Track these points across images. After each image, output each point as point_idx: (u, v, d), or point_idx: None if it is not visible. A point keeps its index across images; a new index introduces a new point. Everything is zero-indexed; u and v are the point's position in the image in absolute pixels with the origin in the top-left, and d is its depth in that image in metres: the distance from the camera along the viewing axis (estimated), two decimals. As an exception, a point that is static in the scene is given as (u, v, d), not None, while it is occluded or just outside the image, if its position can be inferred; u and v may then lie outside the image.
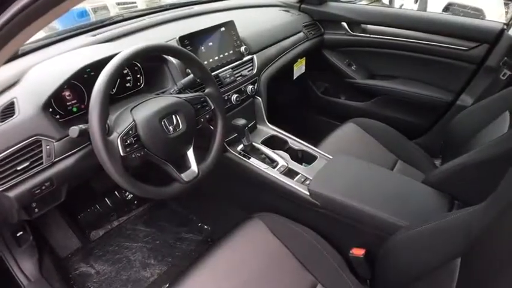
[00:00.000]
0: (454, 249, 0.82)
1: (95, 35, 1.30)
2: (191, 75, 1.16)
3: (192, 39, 1.29)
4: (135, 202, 1.74)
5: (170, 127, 0.98)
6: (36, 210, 1.00)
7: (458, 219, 0.89)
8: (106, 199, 1.66)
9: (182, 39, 1.26)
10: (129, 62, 0.93)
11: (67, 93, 1.06)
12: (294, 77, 1.95)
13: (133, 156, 0.91)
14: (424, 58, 1.84)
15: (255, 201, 1.46)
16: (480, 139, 1.45)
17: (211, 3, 1.77)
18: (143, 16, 1.48)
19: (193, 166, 1.06)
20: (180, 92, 1.15)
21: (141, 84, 1.26)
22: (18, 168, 0.90)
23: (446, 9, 3.31)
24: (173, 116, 0.99)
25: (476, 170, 1.19)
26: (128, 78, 1.23)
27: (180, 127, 1.00)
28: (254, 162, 1.37)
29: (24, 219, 1.00)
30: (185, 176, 1.03)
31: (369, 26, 1.97)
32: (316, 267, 1.12)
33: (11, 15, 0.55)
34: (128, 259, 1.49)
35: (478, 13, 3.00)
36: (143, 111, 0.96)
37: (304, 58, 1.96)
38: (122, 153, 0.89)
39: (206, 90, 1.12)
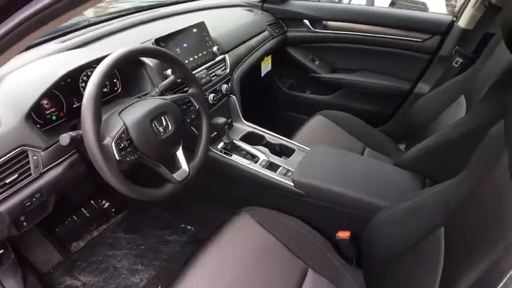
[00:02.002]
0: (435, 220, 0.91)
1: (63, 41, 1.26)
2: (172, 77, 1.17)
3: (167, 41, 1.29)
4: (113, 210, 1.71)
5: (160, 128, 0.99)
6: (24, 224, 0.97)
7: (435, 194, 0.99)
8: (83, 209, 1.62)
9: (158, 42, 1.26)
10: (117, 66, 0.93)
11: (45, 101, 1.04)
12: (262, 75, 2.00)
13: (127, 159, 0.92)
14: (382, 51, 1.97)
15: (239, 198, 1.50)
16: (440, 122, 1.58)
17: (176, 5, 1.77)
18: (111, 20, 1.46)
19: (184, 165, 1.08)
20: (162, 94, 1.16)
21: (118, 89, 1.25)
22: (7, 181, 0.87)
23: (393, 3, 3.51)
24: (162, 118, 1.00)
25: (443, 150, 1.30)
26: (105, 83, 1.21)
27: (170, 128, 1.02)
28: (236, 158, 1.41)
29: (6, 236, 0.97)
30: (177, 176, 1.05)
31: (330, 22, 2.06)
32: (306, 253, 1.17)
33: (14, 25, 0.55)
34: (114, 267, 1.47)
35: (423, 7, 3.22)
36: (132, 114, 0.96)
37: (270, 56, 2.02)
38: (117, 157, 0.89)
39: (190, 91, 1.13)
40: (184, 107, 1.09)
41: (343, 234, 1.26)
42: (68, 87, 1.08)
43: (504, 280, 0.51)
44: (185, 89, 1.31)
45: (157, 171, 1.01)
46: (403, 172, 1.34)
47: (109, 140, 0.89)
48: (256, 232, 1.20)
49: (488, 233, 0.65)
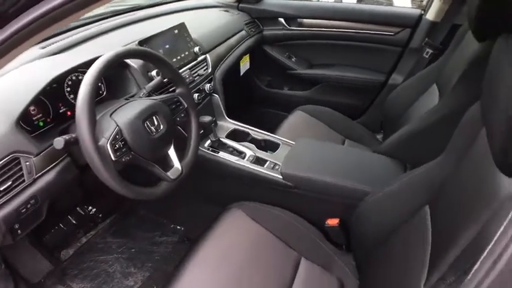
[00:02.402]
0: (420, 200, 0.97)
1: (44, 47, 1.25)
2: (158, 78, 1.19)
3: (150, 43, 1.31)
4: (100, 216, 1.69)
5: (152, 128, 1.01)
6: (19, 231, 0.97)
7: (419, 175, 1.05)
8: (69, 217, 1.59)
9: (141, 43, 1.27)
10: (109, 67, 0.93)
11: (31, 108, 1.03)
12: (241, 74, 2.03)
13: (123, 160, 0.93)
14: (356, 45, 2.05)
15: (229, 194, 1.52)
16: (414, 111, 1.66)
17: (152, 8, 1.77)
18: (89, 24, 1.45)
19: (177, 164, 1.09)
20: (149, 95, 1.17)
21: (103, 93, 1.25)
22: (1, 188, 0.86)
23: (360, 0, 3.62)
24: (153, 118, 1.01)
25: (420, 135, 1.38)
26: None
27: (161, 127, 1.03)
28: (224, 155, 1.43)
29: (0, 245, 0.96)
30: (171, 174, 1.06)
31: (305, 20, 2.12)
32: (298, 243, 1.21)
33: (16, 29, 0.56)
34: (106, 272, 1.46)
35: (389, 2, 3.34)
36: (124, 115, 0.97)
37: (248, 55, 2.05)
38: (113, 158, 0.90)
39: (178, 90, 1.15)
40: (174, 106, 1.11)
41: (332, 222, 1.31)
42: (53, 92, 1.07)
43: (490, 246, 0.57)
44: (171, 89, 1.32)
45: (151, 171, 1.03)
46: (385, 159, 1.41)
47: (104, 141, 0.89)
48: (249, 226, 1.23)
49: (472, 206, 0.71)
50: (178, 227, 1.69)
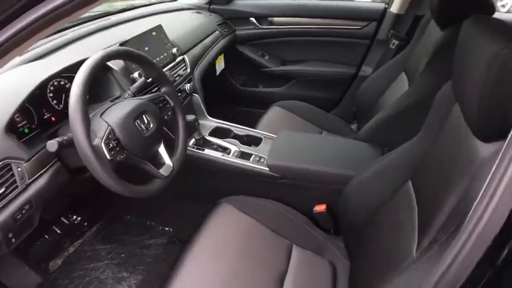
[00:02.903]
0: (402, 176, 1.04)
1: (22, 54, 1.23)
2: (142, 79, 1.20)
3: (130, 45, 1.31)
4: (85, 224, 1.66)
5: (143, 126, 1.02)
6: (13, 240, 0.95)
7: (397, 155, 1.12)
8: (54, 227, 1.56)
9: (122, 46, 1.28)
10: (98, 68, 0.94)
11: (16, 115, 1.02)
12: (217, 73, 2.06)
13: (117, 159, 0.94)
14: (326, 40, 2.14)
15: (216, 190, 1.54)
16: (385, 99, 1.75)
17: (125, 12, 1.77)
18: (66, 30, 1.44)
19: (168, 161, 1.11)
20: (134, 95, 1.18)
21: (85, 97, 1.24)
22: (-5, 195, 0.85)
23: None
24: (143, 116, 1.03)
25: (394, 120, 1.47)
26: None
27: (151, 126, 1.05)
28: (209, 152, 1.46)
29: None
30: (163, 171, 1.08)
31: (275, 18, 2.19)
32: (288, 231, 1.25)
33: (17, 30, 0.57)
34: (98, 279, 1.44)
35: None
36: (115, 115, 0.98)
37: (223, 55, 2.09)
38: (108, 157, 0.90)
39: (163, 90, 1.17)
40: (161, 105, 1.13)
41: (320, 208, 1.36)
42: (36, 99, 1.06)
43: (473, 206, 0.63)
44: (153, 90, 1.34)
45: (144, 169, 1.04)
46: (364, 144, 1.48)
47: (98, 141, 0.90)
48: (239, 219, 1.25)
49: (453, 173, 0.77)
50: (166, 229, 1.70)
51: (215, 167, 1.45)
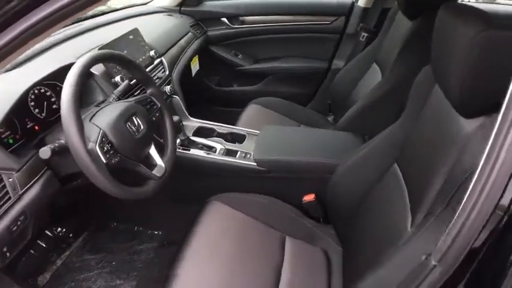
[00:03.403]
0: (387, 160, 1.09)
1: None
2: (125, 82, 1.19)
3: (110, 49, 1.30)
4: (71, 235, 1.62)
5: (134, 128, 1.02)
6: (7, 254, 0.92)
7: (380, 140, 1.18)
8: (38, 241, 1.51)
9: (103, 49, 1.26)
10: (87, 71, 0.93)
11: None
12: (193, 75, 2.07)
13: (112, 162, 0.93)
14: (297, 37, 2.20)
15: (205, 190, 1.54)
16: (359, 90, 1.83)
17: (97, 17, 1.74)
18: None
19: (160, 162, 1.11)
20: (119, 99, 1.17)
21: (67, 104, 1.22)
22: (-12, 208, 0.83)
23: None
24: (133, 118, 1.03)
25: (370, 109, 1.54)
26: (53, 99, 1.18)
27: (142, 127, 1.05)
28: (195, 152, 1.47)
29: None
30: (156, 172, 1.08)
31: (247, 17, 2.21)
32: (280, 223, 1.28)
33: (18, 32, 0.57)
34: (90, 289, 1.42)
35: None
36: (105, 118, 0.97)
37: (197, 56, 2.09)
38: (104, 161, 0.90)
39: (149, 91, 1.17)
40: (148, 106, 1.13)
41: (309, 197, 1.40)
42: (19, 109, 1.04)
43: (465, 176, 0.69)
44: (136, 92, 1.33)
45: (137, 171, 1.04)
46: (345, 133, 1.54)
47: (92, 145, 0.89)
48: (231, 215, 1.27)
49: (440, 150, 0.83)
50: (156, 232, 1.68)
51: (202, 166, 1.46)
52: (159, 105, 1.17)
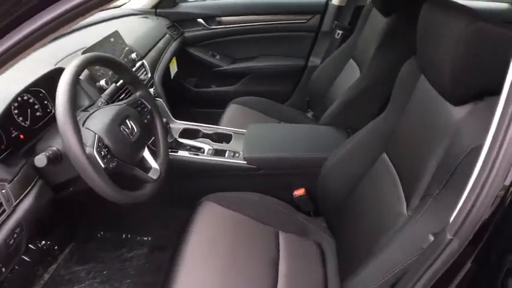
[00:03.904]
0: (375, 150, 1.14)
1: None
2: (113, 85, 1.17)
3: (93, 52, 1.27)
4: (56, 247, 1.57)
5: (128, 131, 1.01)
6: (3, 270, 0.89)
7: (367, 132, 1.22)
8: (22, 256, 1.45)
9: (86, 53, 1.23)
10: (79, 74, 0.91)
11: (-18, 136, 0.95)
12: (172, 76, 2.05)
13: (110, 166, 0.92)
14: (273, 36, 2.23)
15: (193, 192, 1.54)
16: (337, 86, 1.88)
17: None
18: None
19: (154, 164, 1.10)
20: (107, 103, 1.15)
21: (51, 111, 1.18)
22: (-17, 222, 0.79)
23: None
24: (127, 121, 1.01)
25: (353, 103, 1.59)
26: (36, 106, 1.14)
27: (135, 130, 1.03)
28: (183, 153, 1.46)
29: None
30: (152, 175, 1.07)
31: (223, 18, 2.22)
32: (272, 219, 1.30)
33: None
34: (83, 301, 1.37)
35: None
36: (99, 122, 0.95)
37: (175, 58, 2.07)
38: (102, 165, 0.88)
39: (139, 93, 1.15)
40: (139, 109, 1.12)
41: (299, 192, 1.44)
42: (3, 118, 1.00)
43: (460, 159, 0.73)
44: (122, 95, 1.31)
45: (134, 175, 1.02)
46: (329, 128, 1.59)
47: (90, 150, 0.88)
48: (224, 214, 1.27)
49: (430, 138, 0.87)
50: (145, 238, 1.65)
51: (192, 167, 1.46)
52: (150, 108, 1.16)
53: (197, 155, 1.46)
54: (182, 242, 1.16)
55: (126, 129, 1.00)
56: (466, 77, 0.75)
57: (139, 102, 1.12)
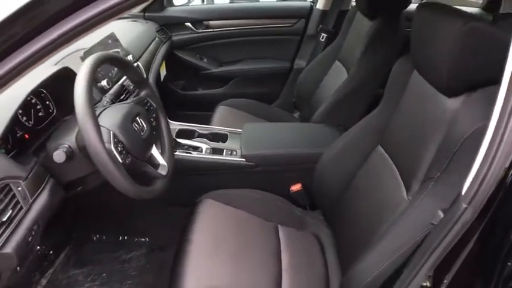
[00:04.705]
0: (370, 143, 1.21)
1: None
2: (118, 84, 1.19)
3: (93, 53, 1.28)
4: (51, 252, 1.54)
5: (139, 128, 1.03)
6: (18, 269, 0.88)
7: (362, 128, 1.29)
8: (18, 261, 1.42)
9: (87, 54, 1.25)
10: (95, 73, 0.93)
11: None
12: (162, 79, 2.07)
13: (126, 162, 0.94)
14: (260, 39, 2.30)
15: (191, 191, 1.56)
16: (324, 87, 1.96)
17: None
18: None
19: (162, 161, 1.13)
20: (113, 102, 1.17)
21: (53, 111, 1.18)
22: (4, 219, 0.80)
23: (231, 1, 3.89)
24: (138, 119, 1.04)
25: (344, 102, 1.67)
26: (38, 107, 1.14)
27: (145, 127, 1.06)
28: (182, 153, 1.48)
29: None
30: (161, 171, 1.10)
31: (211, 22, 2.27)
32: (271, 214, 1.35)
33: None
34: (85, 303, 1.36)
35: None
36: (112, 119, 0.97)
37: (164, 61, 2.09)
38: (121, 161, 0.90)
39: (144, 92, 1.17)
40: (146, 108, 1.14)
41: (296, 187, 1.49)
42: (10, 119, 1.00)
43: (460, 142, 0.81)
44: (122, 96, 1.32)
45: (145, 171, 1.05)
46: (322, 126, 1.66)
47: (108, 145, 0.89)
48: (224, 211, 1.31)
49: (427, 129, 0.94)
50: (142, 239, 1.66)
51: (191, 166, 1.48)
52: (155, 106, 1.18)
53: (197, 153, 1.49)
54: (185, 240, 1.19)
55: (138, 127, 1.03)
56: (461, 71, 0.83)
57: (145, 101, 1.15)
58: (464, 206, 0.58)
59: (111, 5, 0.62)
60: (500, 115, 0.56)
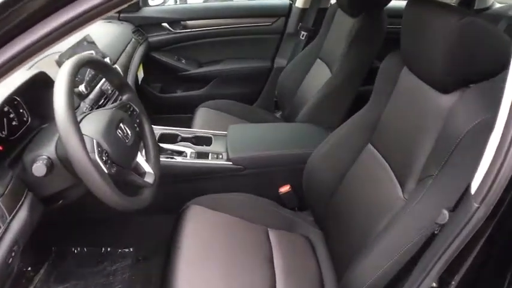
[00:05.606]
0: (359, 142, 1.20)
1: None
2: (97, 89, 1.13)
3: (70, 56, 1.21)
4: (29, 269, 1.45)
5: (123, 135, 0.97)
6: None
7: (350, 126, 1.28)
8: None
9: (62, 57, 1.17)
10: (75, 77, 0.86)
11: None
12: (139, 83, 2.00)
13: (112, 172, 0.88)
14: (239, 39, 2.27)
15: (176, 197, 1.50)
16: (306, 85, 1.94)
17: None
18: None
19: (148, 169, 1.07)
20: (92, 108, 1.10)
21: (27, 120, 1.11)
22: (-20, 242, 0.73)
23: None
24: (121, 125, 0.98)
25: (328, 101, 1.66)
26: (11, 116, 1.06)
27: (130, 134, 1.00)
28: (166, 159, 1.43)
29: None
30: (148, 179, 1.04)
31: (188, 22, 2.21)
32: (260, 217, 1.32)
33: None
34: (70, 321, 1.28)
35: None
36: (94, 126, 0.90)
37: (142, 63, 2.02)
38: (106, 171, 0.84)
39: (126, 96, 1.11)
40: (129, 112, 1.08)
41: (284, 189, 1.47)
42: None
43: (460, 137, 0.80)
44: (103, 101, 1.26)
45: (131, 180, 0.99)
46: (309, 125, 1.64)
47: (92, 155, 0.83)
48: (212, 217, 1.27)
49: (421, 126, 0.93)
50: (126, 250, 1.58)
51: (176, 172, 1.43)
52: (138, 111, 1.12)
53: (182, 159, 1.43)
54: (173, 249, 1.14)
55: (122, 133, 0.97)
56: (456, 66, 0.82)
57: (128, 105, 1.09)
58: (476, 205, 0.57)
59: (93, 5, 0.58)
60: (511, 108, 0.54)
